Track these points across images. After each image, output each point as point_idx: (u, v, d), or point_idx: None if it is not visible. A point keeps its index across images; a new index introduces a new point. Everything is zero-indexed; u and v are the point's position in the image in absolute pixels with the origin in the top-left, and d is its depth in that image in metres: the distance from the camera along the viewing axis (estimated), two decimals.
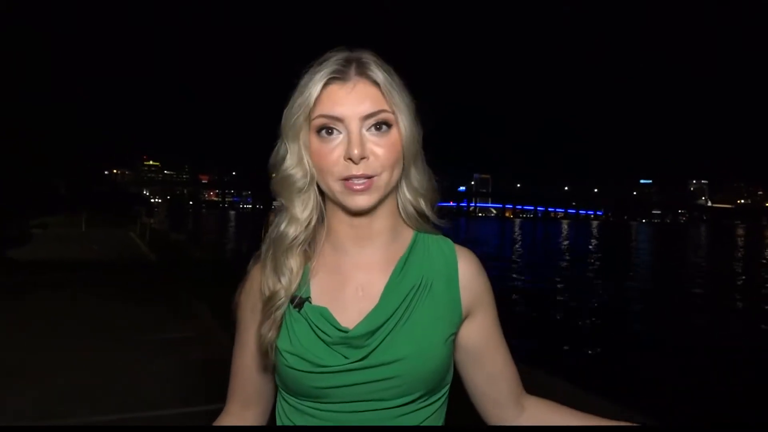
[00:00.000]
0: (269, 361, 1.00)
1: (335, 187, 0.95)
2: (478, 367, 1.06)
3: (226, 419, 1.09)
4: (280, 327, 0.98)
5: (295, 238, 0.99)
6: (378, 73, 0.95)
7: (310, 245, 1.02)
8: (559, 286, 18.96)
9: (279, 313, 0.97)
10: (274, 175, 1.01)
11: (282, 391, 1.03)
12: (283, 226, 1.00)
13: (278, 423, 1.05)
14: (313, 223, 1.01)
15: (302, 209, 1.00)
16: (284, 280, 0.97)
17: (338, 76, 0.94)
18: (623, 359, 8.84)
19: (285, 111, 0.98)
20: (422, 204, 1.03)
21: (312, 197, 1.00)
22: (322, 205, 1.02)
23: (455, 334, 1.02)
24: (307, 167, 0.98)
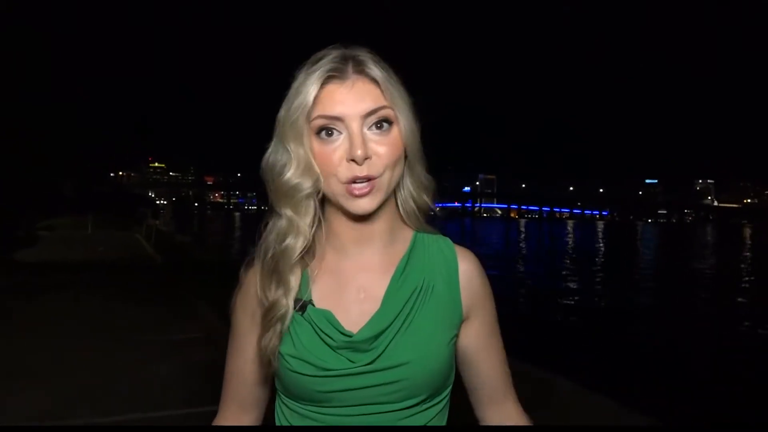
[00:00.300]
0: (270, 369, 0.98)
1: (337, 190, 0.93)
2: (467, 366, 1.06)
3: (223, 424, 1.08)
4: (281, 334, 0.96)
5: (303, 249, 0.97)
6: (376, 70, 0.94)
7: (308, 249, 1.00)
8: (561, 284, 18.93)
9: (280, 323, 0.96)
10: (272, 181, 0.97)
11: (281, 395, 1.02)
12: (289, 239, 0.96)
13: (276, 425, 1.04)
14: (314, 229, 0.99)
15: (305, 217, 0.97)
16: (284, 290, 0.96)
17: (336, 75, 0.92)
18: (624, 359, 8.82)
19: (281, 114, 0.95)
20: (426, 199, 1.02)
21: (312, 202, 0.98)
22: (319, 207, 0.99)
23: (457, 335, 1.02)
24: (318, 173, 0.94)
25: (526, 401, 1.11)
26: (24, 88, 12.54)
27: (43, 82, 13.11)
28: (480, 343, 1.04)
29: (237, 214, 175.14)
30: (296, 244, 0.96)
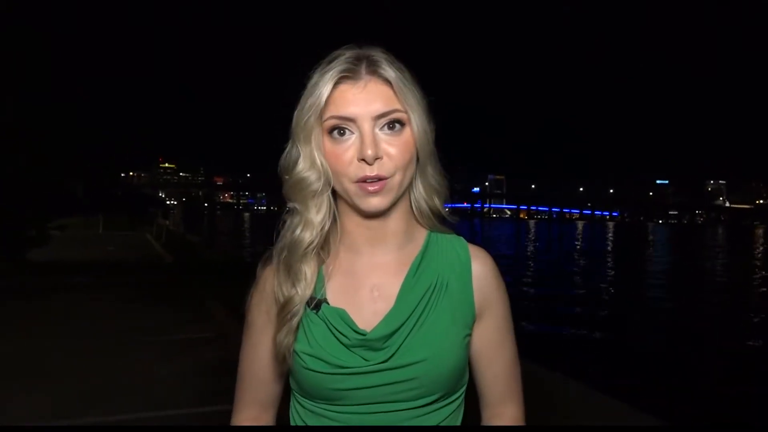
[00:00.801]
0: (285, 366, 0.99)
1: (350, 188, 0.94)
2: (474, 365, 1.05)
3: (240, 422, 1.07)
4: (296, 331, 0.97)
5: (311, 243, 0.97)
6: (389, 71, 0.93)
7: (323, 247, 1.01)
8: (566, 284, 18.88)
9: (296, 320, 0.97)
10: (286, 178, 0.99)
11: (296, 394, 1.02)
12: (298, 232, 0.98)
13: (291, 425, 1.05)
14: (327, 226, 0.99)
15: (317, 212, 0.98)
16: (299, 287, 0.97)
17: (349, 75, 0.93)
18: (625, 358, 8.80)
19: (296, 112, 0.96)
20: (437, 202, 1.02)
21: (325, 200, 0.98)
22: (335, 206, 1.01)
23: (470, 334, 1.02)
24: (322, 170, 0.96)
25: (528, 401, 1.12)
26: (24, 88, 12.65)
27: (43, 82, 13.20)
28: (489, 344, 1.04)
29: (246, 214, 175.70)
30: (305, 236, 0.97)
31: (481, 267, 1.03)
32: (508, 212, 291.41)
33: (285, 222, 1.00)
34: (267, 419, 1.08)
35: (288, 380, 1.05)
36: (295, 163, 0.97)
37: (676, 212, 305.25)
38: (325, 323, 0.97)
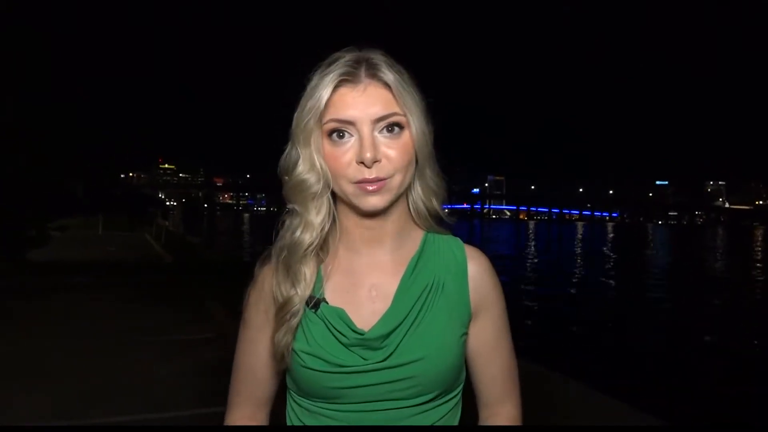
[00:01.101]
0: (283, 365, 0.99)
1: (348, 189, 0.94)
2: (472, 365, 1.06)
3: (242, 423, 1.07)
4: (295, 330, 0.98)
5: (311, 244, 0.98)
6: (389, 75, 0.94)
7: (322, 247, 1.01)
8: (565, 284, 18.88)
9: (295, 319, 0.97)
10: (286, 179, 0.99)
11: (293, 393, 1.02)
12: (298, 233, 0.98)
13: (288, 424, 1.05)
14: (327, 227, 1.00)
15: (316, 214, 0.98)
16: (298, 287, 0.97)
17: (348, 78, 0.93)
18: (624, 358, 8.80)
19: (295, 114, 0.97)
20: (434, 203, 1.03)
21: (325, 201, 0.99)
22: (334, 207, 1.01)
23: (466, 333, 1.02)
24: (321, 172, 0.96)
25: (528, 401, 1.12)
26: (24, 88, 12.63)
27: (43, 82, 13.18)
28: (486, 343, 1.05)
29: (246, 215, 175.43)
30: (305, 238, 0.97)
31: (476, 267, 1.04)
32: (508, 213, 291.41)
33: (284, 222, 1.01)
34: (262, 417, 1.08)
35: (283, 378, 1.05)
36: (295, 164, 0.97)
37: (675, 213, 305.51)
38: (324, 322, 0.97)
